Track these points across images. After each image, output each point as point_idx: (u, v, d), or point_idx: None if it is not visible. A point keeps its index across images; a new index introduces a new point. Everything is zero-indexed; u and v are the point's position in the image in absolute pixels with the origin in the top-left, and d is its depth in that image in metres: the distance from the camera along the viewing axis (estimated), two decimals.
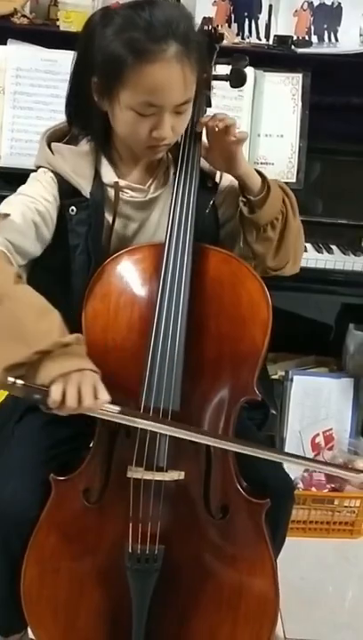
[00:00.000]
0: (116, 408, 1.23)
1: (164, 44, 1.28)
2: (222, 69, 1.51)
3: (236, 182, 1.48)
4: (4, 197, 2.01)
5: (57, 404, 1.17)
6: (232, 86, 1.53)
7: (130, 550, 1.33)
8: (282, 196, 1.48)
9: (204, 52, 1.39)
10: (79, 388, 1.18)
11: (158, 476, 1.32)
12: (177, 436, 1.28)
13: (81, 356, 1.22)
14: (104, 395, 1.20)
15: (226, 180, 1.52)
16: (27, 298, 1.24)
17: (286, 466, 1.53)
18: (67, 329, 1.24)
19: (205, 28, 1.49)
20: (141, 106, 1.32)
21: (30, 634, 1.48)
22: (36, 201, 1.40)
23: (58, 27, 2.36)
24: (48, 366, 1.18)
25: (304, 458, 1.53)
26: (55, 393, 1.17)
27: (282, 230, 1.48)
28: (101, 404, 1.21)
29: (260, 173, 1.47)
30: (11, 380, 1.16)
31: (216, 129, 1.40)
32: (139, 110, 1.32)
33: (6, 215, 1.36)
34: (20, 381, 1.16)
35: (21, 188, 1.45)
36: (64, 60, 2.12)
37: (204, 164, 1.48)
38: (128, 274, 1.41)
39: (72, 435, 1.44)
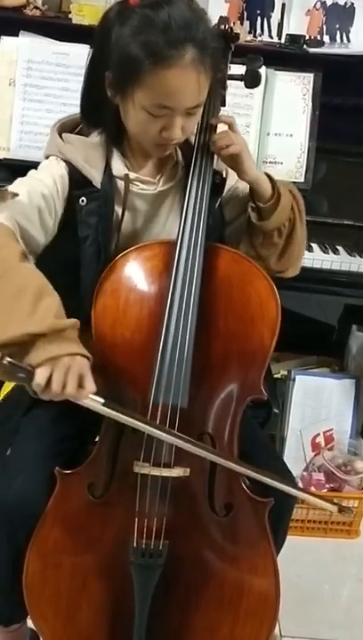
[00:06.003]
0: (101, 400, 1.19)
1: (181, 50, 1.27)
2: (237, 69, 1.51)
3: (241, 182, 1.48)
4: None
5: (41, 388, 1.15)
6: (247, 87, 1.53)
7: (135, 545, 1.33)
8: (291, 202, 1.48)
9: (219, 57, 1.38)
10: (66, 374, 1.15)
11: (165, 472, 1.32)
12: (165, 437, 1.26)
13: (75, 342, 1.20)
14: (90, 385, 1.18)
15: (232, 178, 1.52)
16: (29, 276, 1.23)
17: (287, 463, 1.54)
18: (65, 313, 1.22)
19: (222, 27, 1.49)
20: (154, 107, 1.32)
21: (30, 623, 1.49)
22: (43, 185, 1.39)
23: (70, 20, 2.36)
24: (39, 348, 1.15)
25: (299, 488, 1.50)
26: (40, 376, 1.14)
27: (288, 236, 1.48)
28: (86, 394, 1.18)
29: (271, 179, 1.46)
30: None
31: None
32: (151, 111, 1.33)
33: (15, 194, 1.35)
34: (8, 358, 1.13)
35: (31, 172, 1.44)
36: (76, 53, 2.12)
37: None
38: (138, 270, 1.41)
39: (79, 429, 1.44)
